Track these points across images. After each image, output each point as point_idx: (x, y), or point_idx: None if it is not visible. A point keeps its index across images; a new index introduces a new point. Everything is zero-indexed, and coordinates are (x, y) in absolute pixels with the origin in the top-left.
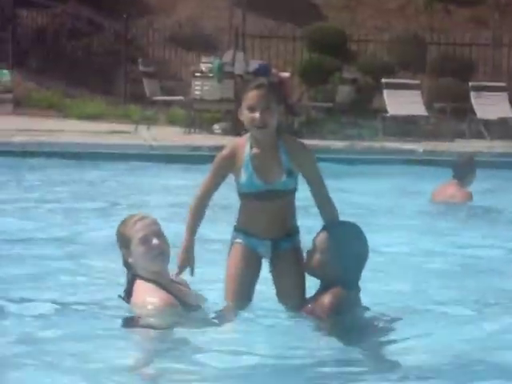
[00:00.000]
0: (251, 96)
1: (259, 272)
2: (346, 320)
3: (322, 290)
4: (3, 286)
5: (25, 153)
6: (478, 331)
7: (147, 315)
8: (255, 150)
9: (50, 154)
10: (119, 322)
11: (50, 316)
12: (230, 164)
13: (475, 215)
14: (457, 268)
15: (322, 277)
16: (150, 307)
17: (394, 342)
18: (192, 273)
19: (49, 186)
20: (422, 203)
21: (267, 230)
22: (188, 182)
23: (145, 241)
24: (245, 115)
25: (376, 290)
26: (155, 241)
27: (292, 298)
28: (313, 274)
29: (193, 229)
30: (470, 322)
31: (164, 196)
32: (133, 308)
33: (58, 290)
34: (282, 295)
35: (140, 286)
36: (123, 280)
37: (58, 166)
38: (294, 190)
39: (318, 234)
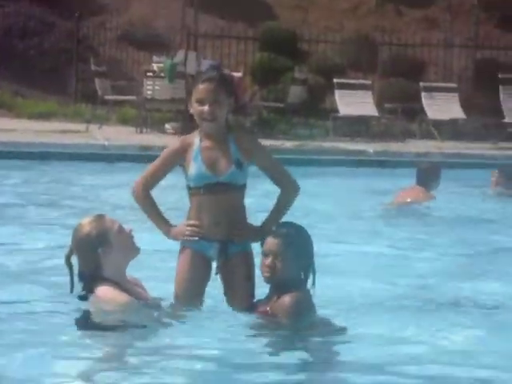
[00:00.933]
0: (201, 89)
1: (209, 275)
2: (305, 321)
3: (274, 293)
4: None
5: None
6: (427, 334)
7: (108, 314)
8: (204, 143)
9: (1, 154)
10: (76, 321)
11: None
12: (179, 158)
13: (428, 215)
14: (403, 265)
15: (281, 281)
16: (110, 306)
17: (350, 341)
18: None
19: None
20: (372, 204)
21: (215, 230)
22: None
23: (121, 229)
24: (194, 108)
25: (327, 290)
26: (128, 228)
27: (240, 301)
28: (271, 281)
29: (157, 212)
30: (417, 320)
31: (117, 195)
32: (92, 307)
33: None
34: (230, 299)
35: (102, 289)
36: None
37: (10, 166)
38: (243, 187)
39: (270, 241)
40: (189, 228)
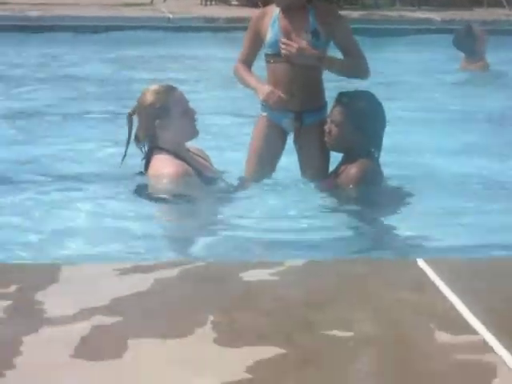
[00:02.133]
0: None
1: (283, 146)
2: (372, 192)
3: (345, 162)
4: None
5: (41, 27)
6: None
7: (164, 184)
8: (283, 12)
9: (65, 28)
10: (135, 189)
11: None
12: (259, 25)
13: (492, 83)
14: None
15: (342, 149)
16: (166, 177)
17: (416, 215)
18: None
19: (68, 59)
20: (442, 71)
21: (290, 98)
22: (206, 53)
23: (187, 111)
24: None
25: (397, 160)
26: (193, 111)
27: (315, 171)
28: (332, 148)
29: (253, 76)
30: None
31: (184, 67)
32: (150, 178)
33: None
34: (304, 169)
35: (159, 156)
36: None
37: (75, 40)
38: (321, 56)
39: (333, 105)
40: (270, 93)
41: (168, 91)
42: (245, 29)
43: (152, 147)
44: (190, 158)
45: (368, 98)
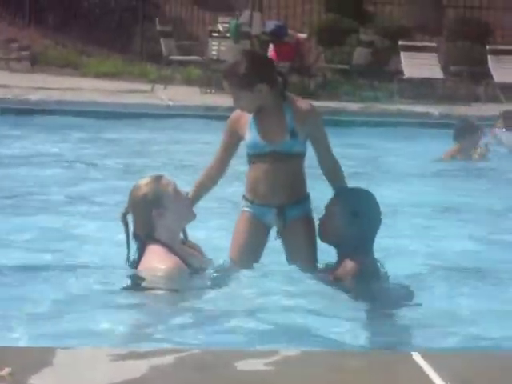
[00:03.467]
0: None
1: (265, 240)
2: (368, 285)
3: (339, 258)
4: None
5: (43, 111)
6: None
7: (156, 278)
8: (260, 112)
9: (67, 113)
10: (126, 284)
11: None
12: (237, 126)
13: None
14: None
15: (337, 244)
16: (159, 271)
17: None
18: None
19: (67, 143)
20: (437, 166)
21: (272, 195)
22: (204, 141)
23: (178, 193)
24: None
25: (395, 254)
26: (184, 192)
27: (303, 262)
28: (327, 242)
29: (195, 195)
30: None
31: (181, 155)
32: (141, 271)
33: (62, 251)
34: (292, 261)
35: (152, 249)
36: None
37: (77, 125)
38: (301, 155)
39: (330, 200)
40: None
41: (155, 180)
42: None
43: (145, 239)
44: (182, 250)
45: (365, 196)
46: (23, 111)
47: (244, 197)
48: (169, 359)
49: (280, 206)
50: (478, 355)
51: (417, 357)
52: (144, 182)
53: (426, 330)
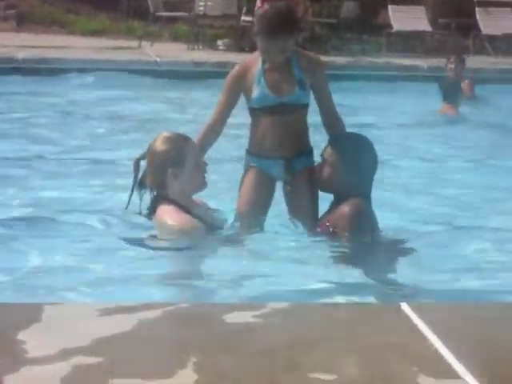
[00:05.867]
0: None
1: (273, 194)
2: (362, 237)
3: (337, 202)
4: None
5: (30, 69)
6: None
7: (168, 236)
8: (267, 65)
9: (55, 71)
10: (142, 237)
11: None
12: (241, 81)
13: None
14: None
15: (334, 190)
16: (172, 230)
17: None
18: None
19: (55, 102)
20: (426, 118)
21: (280, 148)
22: (193, 97)
23: (199, 163)
24: (259, 41)
25: (390, 204)
26: (205, 163)
27: (305, 217)
28: (325, 189)
29: (201, 149)
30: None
31: (172, 112)
32: (156, 227)
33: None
34: (294, 214)
35: (166, 208)
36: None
37: (64, 83)
38: (306, 106)
39: (325, 147)
40: None
41: (183, 140)
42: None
43: (158, 196)
44: (196, 209)
45: (361, 140)
46: (10, 70)
47: (248, 151)
48: (157, 313)
49: (287, 158)
50: (465, 305)
51: (405, 307)
52: (170, 136)
53: (414, 282)
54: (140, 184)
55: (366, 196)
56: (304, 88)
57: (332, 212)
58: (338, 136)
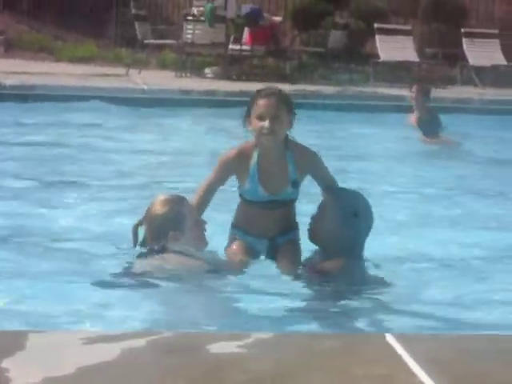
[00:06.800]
0: (261, 104)
1: (257, 258)
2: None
3: (326, 256)
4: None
5: (17, 95)
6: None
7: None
8: (262, 160)
9: (42, 97)
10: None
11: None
12: (235, 167)
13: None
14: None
15: (327, 244)
16: (177, 266)
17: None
18: None
19: (41, 128)
20: (414, 148)
21: (265, 232)
22: (180, 125)
23: (198, 222)
24: (254, 124)
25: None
26: (203, 222)
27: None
28: (317, 242)
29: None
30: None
31: (158, 140)
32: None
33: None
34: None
35: (169, 255)
36: None
37: (51, 110)
38: (296, 199)
39: (323, 201)
40: None
41: (180, 201)
42: (220, 102)
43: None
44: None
45: (360, 197)
46: None
47: (233, 225)
48: (141, 342)
49: (272, 238)
50: (450, 337)
51: (390, 338)
52: (167, 198)
53: (399, 313)
54: (142, 243)
55: (360, 252)
56: (296, 186)
57: (323, 262)
58: (333, 190)
